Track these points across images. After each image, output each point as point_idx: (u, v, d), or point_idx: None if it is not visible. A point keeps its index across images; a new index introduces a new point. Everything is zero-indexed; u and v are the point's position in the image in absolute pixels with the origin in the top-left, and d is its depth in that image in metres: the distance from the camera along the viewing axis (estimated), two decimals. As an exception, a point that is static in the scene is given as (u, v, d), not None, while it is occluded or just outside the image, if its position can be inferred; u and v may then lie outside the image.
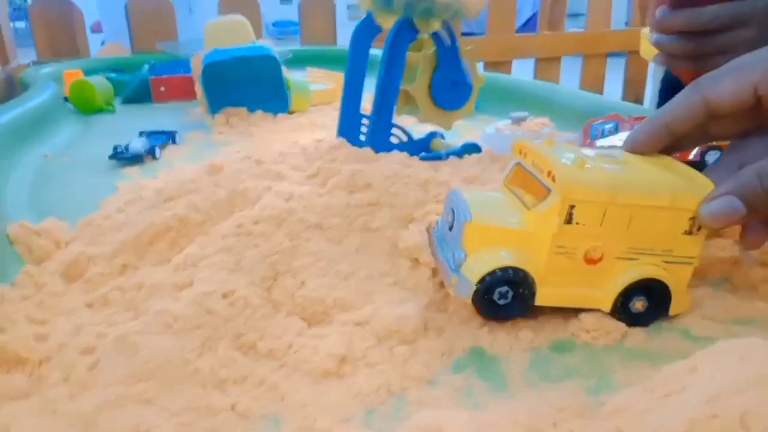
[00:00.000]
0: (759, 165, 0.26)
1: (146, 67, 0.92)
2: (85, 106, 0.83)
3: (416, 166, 0.39)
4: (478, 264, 0.27)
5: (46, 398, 0.25)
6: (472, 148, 0.53)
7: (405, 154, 0.44)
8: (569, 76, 1.70)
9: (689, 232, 0.27)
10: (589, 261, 0.28)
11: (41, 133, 0.67)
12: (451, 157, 0.50)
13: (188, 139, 0.69)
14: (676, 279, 0.28)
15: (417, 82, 0.51)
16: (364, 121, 0.55)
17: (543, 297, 0.28)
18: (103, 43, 2.76)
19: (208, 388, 0.25)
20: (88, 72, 0.94)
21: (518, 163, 0.31)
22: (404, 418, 0.24)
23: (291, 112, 0.79)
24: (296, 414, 0.24)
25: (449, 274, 0.28)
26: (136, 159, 0.59)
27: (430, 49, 0.51)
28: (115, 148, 0.59)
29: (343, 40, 1.40)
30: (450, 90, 0.52)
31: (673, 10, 0.44)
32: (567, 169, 0.26)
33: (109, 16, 2.60)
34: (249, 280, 0.30)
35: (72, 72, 0.93)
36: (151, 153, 0.60)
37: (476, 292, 0.27)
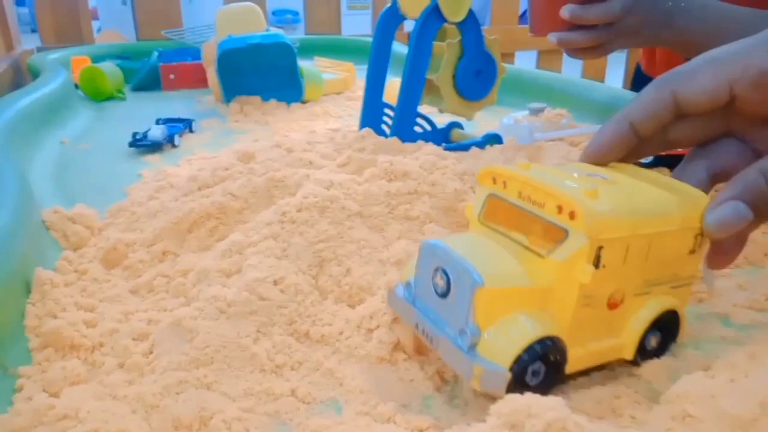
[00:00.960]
0: (763, 164, 0.24)
1: (155, 54, 0.91)
2: (96, 93, 0.82)
3: (451, 157, 0.39)
4: (505, 341, 0.21)
5: (105, 383, 0.25)
6: (494, 139, 0.53)
7: (434, 145, 0.44)
8: (570, 68, 1.70)
9: (693, 251, 0.25)
10: (612, 306, 0.23)
11: (56, 119, 0.66)
12: (473, 148, 0.50)
13: (204, 127, 0.69)
14: (683, 303, 0.25)
15: (441, 72, 0.51)
16: (386, 110, 0.55)
17: (573, 361, 0.23)
18: (99, 30, 2.73)
19: (266, 373, 0.25)
20: (94, 59, 0.93)
21: (493, 195, 0.26)
22: (458, 405, 0.24)
23: (304, 102, 0.79)
24: (355, 399, 0.24)
25: (464, 360, 0.22)
26: (155, 146, 0.59)
27: (455, 38, 0.51)
28: (134, 135, 0.59)
29: (346, 29, 1.40)
30: (474, 80, 0.52)
31: (585, 6, 0.52)
32: (588, 203, 0.21)
33: (105, 3, 2.56)
34: (297, 267, 0.30)
35: (80, 59, 0.92)
36: (170, 141, 0.59)
37: (512, 381, 0.21)
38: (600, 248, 0.22)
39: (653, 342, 0.25)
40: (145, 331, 0.28)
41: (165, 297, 0.31)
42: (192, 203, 0.36)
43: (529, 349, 0.21)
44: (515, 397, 0.18)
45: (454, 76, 0.51)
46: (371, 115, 0.55)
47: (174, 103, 0.82)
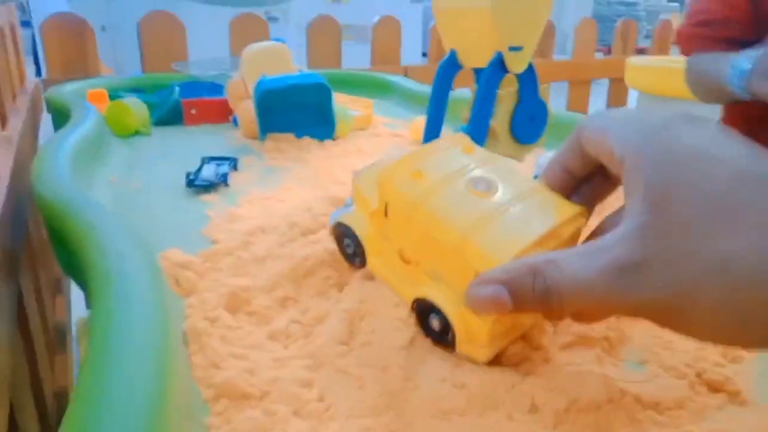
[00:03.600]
0: (534, 261, 0.23)
1: (177, 89, 0.92)
2: (122, 128, 0.82)
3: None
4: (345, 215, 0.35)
5: (289, 431, 0.26)
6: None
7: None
8: (556, 101, 1.78)
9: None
10: (405, 260, 0.30)
11: (98, 157, 0.66)
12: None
13: (245, 164, 0.70)
14: (464, 321, 0.27)
15: (500, 116, 0.54)
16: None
17: (373, 265, 0.33)
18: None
19: (437, 419, 0.27)
20: (108, 93, 0.93)
21: None
22: None
23: (334, 138, 0.81)
24: None
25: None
26: (210, 186, 0.59)
27: (513, 86, 0.54)
28: (187, 175, 0.60)
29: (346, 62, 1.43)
30: (528, 125, 0.55)
31: None
32: (398, 174, 0.29)
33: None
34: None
35: (96, 92, 0.92)
36: (223, 180, 0.60)
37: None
38: (387, 204, 0.30)
39: (435, 323, 0.29)
40: (308, 378, 0.29)
41: (305, 343, 0.32)
42: (305, 249, 0.38)
43: (344, 227, 0.34)
44: None
45: (510, 122, 0.54)
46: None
47: (201, 139, 0.83)
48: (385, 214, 0.30)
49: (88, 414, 0.21)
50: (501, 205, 0.27)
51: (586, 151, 0.26)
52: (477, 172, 0.30)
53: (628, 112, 0.25)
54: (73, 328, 1.18)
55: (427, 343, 0.30)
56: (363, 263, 0.34)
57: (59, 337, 0.98)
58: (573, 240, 0.29)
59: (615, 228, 0.22)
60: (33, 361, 0.63)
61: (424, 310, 0.29)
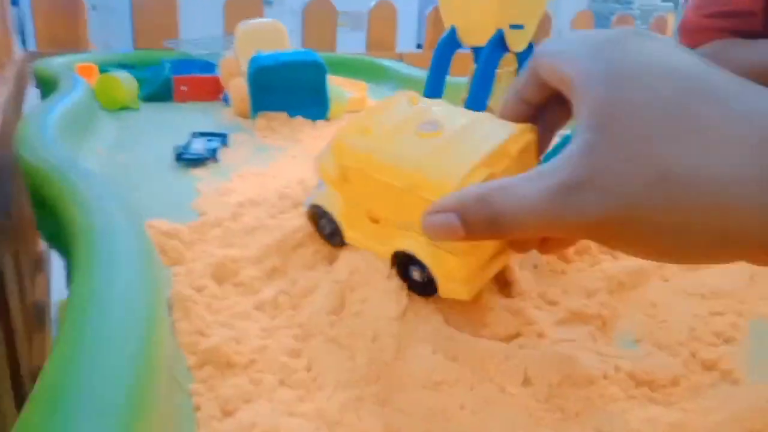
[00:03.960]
0: (483, 188, 0.23)
1: (167, 65, 0.90)
2: (110, 102, 0.80)
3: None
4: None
5: (275, 400, 0.25)
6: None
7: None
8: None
9: None
10: (373, 221, 0.31)
11: (85, 129, 0.65)
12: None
13: (235, 142, 0.68)
14: (440, 264, 0.28)
15: (497, 97, 0.53)
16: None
17: (350, 237, 0.32)
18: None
19: (429, 390, 0.26)
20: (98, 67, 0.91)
21: None
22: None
23: (327, 119, 0.79)
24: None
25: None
26: (199, 161, 0.58)
27: (511, 66, 0.53)
28: (176, 149, 0.58)
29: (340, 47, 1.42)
30: (526, 107, 0.54)
31: None
32: (341, 133, 0.30)
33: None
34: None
35: (85, 66, 0.90)
36: (213, 155, 0.59)
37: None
38: (344, 167, 0.30)
39: (416, 275, 0.29)
40: (296, 347, 0.28)
41: (293, 314, 0.31)
42: (295, 221, 0.37)
43: (317, 208, 0.33)
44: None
45: (508, 103, 0.54)
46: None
47: (190, 115, 0.81)
48: (346, 179, 0.31)
49: (66, 378, 0.20)
50: (447, 140, 0.28)
51: (542, 78, 0.26)
52: (423, 117, 0.30)
53: (581, 34, 0.24)
54: (53, 309, 1.16)
55: (419, 313, 0.29)
56: (342, 242, 0.33)
57: (38, 316, 0.96)
58: (525, 156, 0.28)
59: None
60: (11, 339, 0.62)
61: (403, 264, 0.30)
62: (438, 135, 0.28)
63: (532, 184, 0.22)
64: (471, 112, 0.31)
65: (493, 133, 0.28)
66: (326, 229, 0.34)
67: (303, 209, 0.35)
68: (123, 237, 0.28)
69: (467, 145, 0.27)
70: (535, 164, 0.29)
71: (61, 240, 0.38)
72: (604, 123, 0.21)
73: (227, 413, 0.24)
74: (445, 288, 0.29)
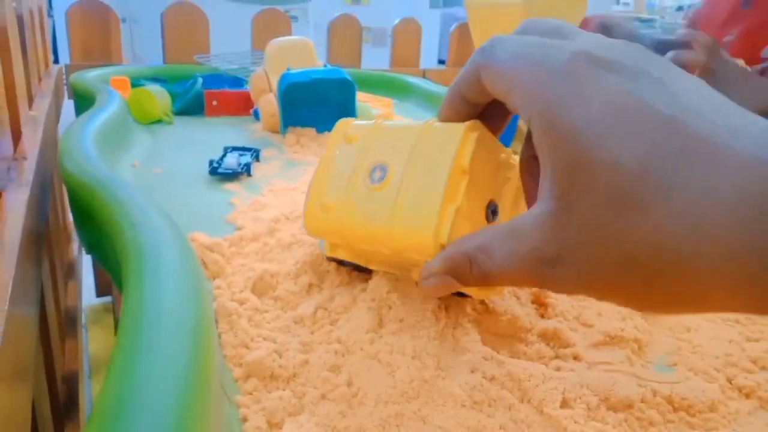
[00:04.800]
0: (468, 248, 0.23)
1: (200, 80, 0.92)
2: (143, 116, 0.82)
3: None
4: None
5: (317, 414, 0.26)
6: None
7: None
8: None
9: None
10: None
11: (121, 142, 0.66)
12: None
13: (265, 157, 0.70)
14: None
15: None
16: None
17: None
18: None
19: (467, 408, 0.27)
20: (131, 80, 0.93)
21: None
22: None
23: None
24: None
25: None
26: (233, 175, 0.59)
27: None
28: (210, 163, 0.60)
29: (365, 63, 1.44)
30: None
31: None
32: (309, 218, 0.30)
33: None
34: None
35: (119, 78, 0.93)
36: (246, 170, 0.60)
37: None
38: (332, 244, 0.32)
39: None
40: (337, 362, 0.29)
41: (332, 329, 0.32)
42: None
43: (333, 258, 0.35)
44: None
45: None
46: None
47: (222, 130, 0.83)
48: (339, 247, 0.32)
49: (124, 388, 0.21)
50: (400, 186, 0.27)
51: (486, 86, 0.23)
52: (368, 161, 0.29)
53: (532, 45, 0.21)
54: (83, 315, 1.18)
55: (457, 333, 0.30)
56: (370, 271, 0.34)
57: (70, 322, 0.98)
58: (482, 155, 0.27)
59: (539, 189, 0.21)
60: (47, 344, 0.63)
61: None
62: (389, 183, 0.27)
63: (510, 245, 0.21)
64: (410, 124, 0.29)
65: (441, 153, 0.26)
66: (351, 265, 0.35)
67: (323, 253, 0.35)
68: (171, 251, 0.29)
69: (422, 185, 0.26)
70: (499, 153, 0.28)
71: (102, 250, 0.39)
72: (568, 194, 0.19)
73: (273, 425, 0.25)
74: (477, 294, 0.28)
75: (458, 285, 0.24)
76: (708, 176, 0.16)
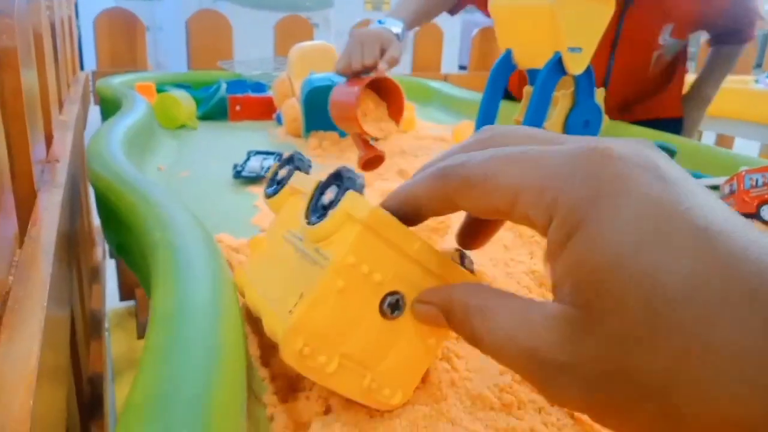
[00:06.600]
0: (471, 304, 0.21)
1: (224, 85, 0.93)
2: (169, 121, 0.83)
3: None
4: None
5: (346, 416, 0.25)
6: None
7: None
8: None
9: None
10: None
11: (148, 146, 0.67)
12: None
13: (289, 160, 0.70)
14: None
15: (553, 119, 0.53)
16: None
17: None
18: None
19: (497, 412, 0.26)
20: (156, 86, 0.95)
21: None
22: None
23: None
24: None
25: None
26: (257, 178, 0.60)
27: (568, 89, 0.53)
28: (235, 167, 0.60)
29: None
30: (582, 129, 0.54)
31: None
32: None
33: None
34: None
35: (144, 84, 0.94)
36: (269, 173, 0.61)
37: None
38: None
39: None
40: (364, 364, 0.28)
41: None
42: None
43: None
44: None
45: (564, 125, 0.54)
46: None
47: (245, 134, 0.84)
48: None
49: (157, 383, 0.21)
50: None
51: (467, 207, 0.22)
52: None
53: (525, 155, 0.20)
54: (106, 318, 1.19)
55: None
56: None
57: (95, 325, 1.00)
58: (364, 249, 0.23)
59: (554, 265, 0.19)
60: (74, 346, 0.64)
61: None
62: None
63: (513, 323, 0.19)
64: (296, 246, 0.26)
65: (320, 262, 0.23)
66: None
67: None
68: (200, 252, 0.30)
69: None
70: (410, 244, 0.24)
71: (130, 251, 0.40)
72: (594, 303, 0.17)
73: (300, 426, 0.25)
74: None
75: (445, 325, 0.23)
76: (746, 318, 0.15)
